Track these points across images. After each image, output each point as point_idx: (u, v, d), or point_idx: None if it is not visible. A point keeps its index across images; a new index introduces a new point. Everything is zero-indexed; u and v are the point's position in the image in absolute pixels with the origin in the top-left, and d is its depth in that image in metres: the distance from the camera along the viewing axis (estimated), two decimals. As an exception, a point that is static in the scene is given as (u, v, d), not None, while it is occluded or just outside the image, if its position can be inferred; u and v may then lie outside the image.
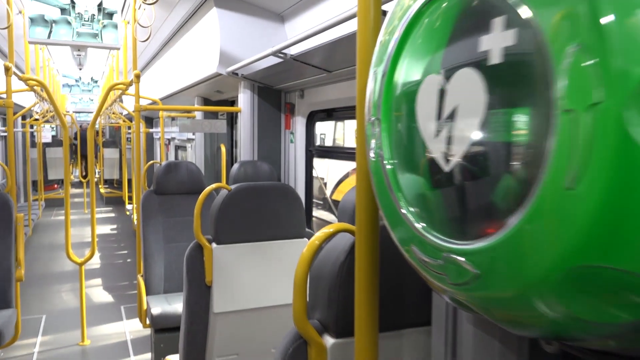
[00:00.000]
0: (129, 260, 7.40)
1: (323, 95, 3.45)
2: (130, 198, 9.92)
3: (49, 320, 4.93)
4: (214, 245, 1.87)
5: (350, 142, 6.19)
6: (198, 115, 5.74)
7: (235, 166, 3.75)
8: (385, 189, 0.65)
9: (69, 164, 13.10)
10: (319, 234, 1.03)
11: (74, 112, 13.55)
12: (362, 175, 0.86)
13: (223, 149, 5.36)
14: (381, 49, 0.68)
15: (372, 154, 0.69)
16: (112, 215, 11.29)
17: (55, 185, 12.68)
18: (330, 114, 3.52)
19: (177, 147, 9.41)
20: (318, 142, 3.85)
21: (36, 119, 8.86)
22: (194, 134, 6.88)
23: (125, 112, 9.60)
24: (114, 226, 10.06)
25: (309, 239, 2.01)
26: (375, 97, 0.68)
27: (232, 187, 1.90)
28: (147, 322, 3.28)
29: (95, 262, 7.18)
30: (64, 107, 11.91)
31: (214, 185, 2.01)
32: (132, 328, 4.71)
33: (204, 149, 5.67)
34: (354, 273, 0.91)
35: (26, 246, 7.91)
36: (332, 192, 8.63)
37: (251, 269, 1.87)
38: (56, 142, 12.36)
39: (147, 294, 3.42)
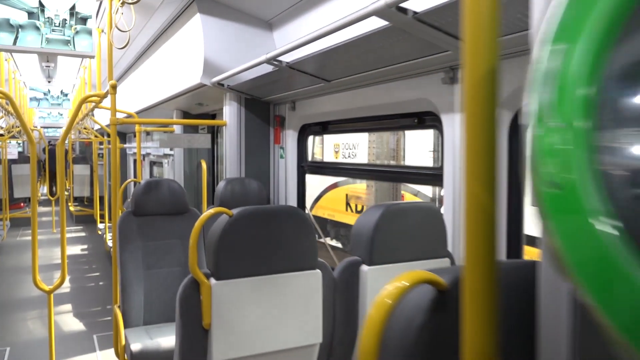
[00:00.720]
0: (101, 283, 6.97)
1: (317, 107, 3.21)
2: (102, 216, 9.45)
3: (14, 352, 4.51)
4: (212, 281, 1.58)
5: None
6: (177, 129, 5.43)
7: (222, 184, 3.46)
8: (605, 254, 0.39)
9: (37, 181, 12.53)
10: (391, 289, 0.74)
11: (42, 127, 13.01)
12: (474, 203, 0.62)
13: (204, 165, 5.07)
14: (577, 13, 0.43)
15: (552, 181, 0.43)
16: (83, 234, 10.77)
17: (22, 204, 12.06)
18: (325, 127, 3.28)
19: (152, 163, 9.02)
20: (310, 158, 3.60)
21: (1, 135, 8.38)
22: (171, 150, 6.56)
23: (97, 127, 9.18)
24: (85, 246, 9.57)
25: (321, 270, 1.74)
26: (567, 92, 0.42)
27: (234, 211, 1.61)
28: (126, 358, 2.95)
29: (65, 286, 6.73)
30: (31, 122, 11.40)
31: (212, 211, 1.70)
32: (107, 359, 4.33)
33: (183, 165, 5.36)
34: (438, 337, 0.70)
35: (-11, 270, 7.40)
36: (312, 207, 8.37)
37: (257, 308, 1.59)
38: (22, 158, 11.78)
39: (125, 326, 3.09)
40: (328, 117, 3.18)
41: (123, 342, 2.94)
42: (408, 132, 5.60)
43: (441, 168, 2.19)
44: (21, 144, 14.17)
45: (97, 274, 7.47)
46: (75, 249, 9.23)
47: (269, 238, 1.62)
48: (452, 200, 2.08)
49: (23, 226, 11.09)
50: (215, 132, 5.25)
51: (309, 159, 3.57)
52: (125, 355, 2.95)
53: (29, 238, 10.03)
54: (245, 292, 1.58)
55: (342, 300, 1.76)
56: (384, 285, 0.78)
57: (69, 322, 5.37)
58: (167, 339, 2.89)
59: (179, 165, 5.34)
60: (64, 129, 4.07)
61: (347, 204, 7.84)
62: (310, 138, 3.54)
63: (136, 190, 3.29)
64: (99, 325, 5.19)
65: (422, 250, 1.83)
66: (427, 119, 2.34)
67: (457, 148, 2.05)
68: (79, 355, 4.48)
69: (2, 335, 4.97)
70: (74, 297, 6.26)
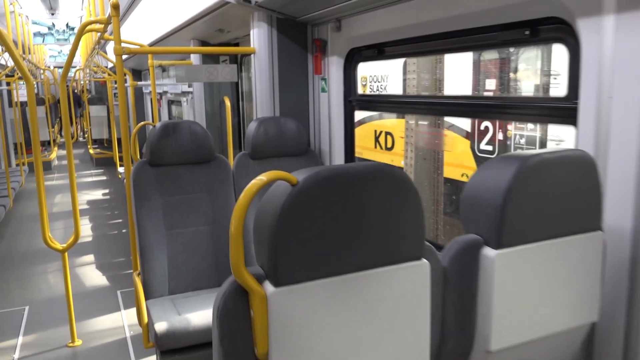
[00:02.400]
0: (124, 230, 6.58)
1: (371, 24, 2.52)
2: (122, 159, 9.02)
3: (33, 313, 4.15)
4: (268, 287, 0.99)
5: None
6: (195, 61, 4.77)
7: (252, 126, 2.87)
8: None
9: (52, 125, 12.08)
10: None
11: (54, 67, 12.40)
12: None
13: (227, 103, 4.46)
14: None
15: None
16: (104, 178, 10.41)
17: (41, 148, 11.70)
18: (381, 51, 2.61)
19: (170, 103, 8.42)
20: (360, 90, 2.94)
21: (9, 75, 7.81)
22: (189, 86, 5.93)
23: (110, 65, 8.55)
24: (106, 190, 9.20)
25: (428, 259, 1.14)
26: None
27: (299, 176, 0.99)
28: (150, 340, 2.49)
29: (86, 234, 6.37)
30: (42, 62, 10.79)
31: (264, 178, 1.02)
32: (132, 320, 3.93)
33: (204, 103, 4.74)
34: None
35: (6, 219, 7.07)
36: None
37: (338, 323, 1.02)
38: (37, 100, 11.30)
39: (147, 297, 2.61)
40: (385, 38, 2.50)
41: (146, 320, 2.47)
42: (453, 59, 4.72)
43: (572, 100, 1.55)
44: (36, 85, 13.65)
45: (120, 220, 7.09)
46: (96, 194, 8.87)
47: (355, 214, 1.02)
48: (593, 146, 1.45)
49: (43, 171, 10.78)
50: (239, 64, 4.58)
51: (359, 91, 2.91)
52: (149, 337, 2.49)
53: (49, 183, 9.71)
54: (319, 302, 1.01)
55: (456, 297, 1.20)
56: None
57: (91, 276, 4.99)
58: (197, 315, 2.40)
59: (200, 104, 4.72)
60: (66, 62, 3.46)
61: (377, 140, 7.19)
62: (360, 66, 2.87)
63: (151, 135, 2.72)
64: (123, 279, 4.80)
65: (571, 222, 1.24)
66: (545, 30, 1.66)
67: (605, 70, 1.40)
68: (103, 314, 4.09)
69: (20, 292, 4.62)
70: (96, 248, 5.88)
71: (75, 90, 15.12)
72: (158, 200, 2.69)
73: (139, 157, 4.04)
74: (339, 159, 2.96)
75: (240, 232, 0.99)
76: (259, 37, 2.98)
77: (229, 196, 2.81)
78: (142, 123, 3.44)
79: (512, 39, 1.80)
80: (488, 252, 1.19)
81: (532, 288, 1.24)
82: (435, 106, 2.44)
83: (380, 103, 2.95)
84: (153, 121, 9.87)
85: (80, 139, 16.30)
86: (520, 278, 1.22)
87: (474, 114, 2.44)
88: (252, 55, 3.08)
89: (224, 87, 4.68)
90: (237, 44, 4.39)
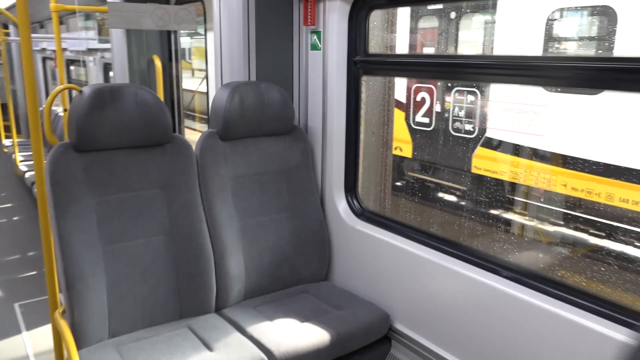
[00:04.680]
0: (15, 218, 5.36)
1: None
2: (7, 129, 7.43)
3: None
4: None
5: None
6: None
7: (223, 93, 2.07)
8: None
9: None
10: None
11: None
12: None
13: (158, 62, 3.54)
14: None
15: None
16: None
17: None
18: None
19: (68, 63, 7.04)
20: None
21: None
22: (101, 42, 4.81)
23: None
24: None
25: None
26: None
27: None
28: None
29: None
30: None
31: None
32: (39, 346, 2.98)
33: (126, 63, 3.73)
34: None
35: None
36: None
37: None
38: None
39: (80, 345, 1.76)
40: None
41: None
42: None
43: None
44: None
45: (9, 205, 5.79)
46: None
47: None
48: None
49: None
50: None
51: (369, 50, 2.18)
52: None
53: None
54: None
55: None
56: None
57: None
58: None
59: (120, 63, 3.70)
60: None
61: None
62: (373, 16, 2.14)
63: (77, 106, 1.81)
64: (21, 287, 3.74)
65: None
66: None
67: None
68: (-5, 339, 3.09)
69: None
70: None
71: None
72: (89, 201, 1.81)
73: (52, 137, 2.94)
74: (337, 140, 2.24)
75: None
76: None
77: (193, 192, 2.01)
78: (63, 87, 2.46)
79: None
80: None
81: None
82: (492, 69, 1.78)
83: (402, 66, 2.23)
84: (48, 88, 8.28)
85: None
86: None
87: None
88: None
89: (150, 43, 3.72)
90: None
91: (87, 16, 5.48)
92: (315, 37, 2.23)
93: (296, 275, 2.26)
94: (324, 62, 2.22)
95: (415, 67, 2.10)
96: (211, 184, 2.05)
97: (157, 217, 1.94)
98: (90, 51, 5.48)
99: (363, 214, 2.24)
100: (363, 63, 2.16)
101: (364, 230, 2.16)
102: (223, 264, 2.03)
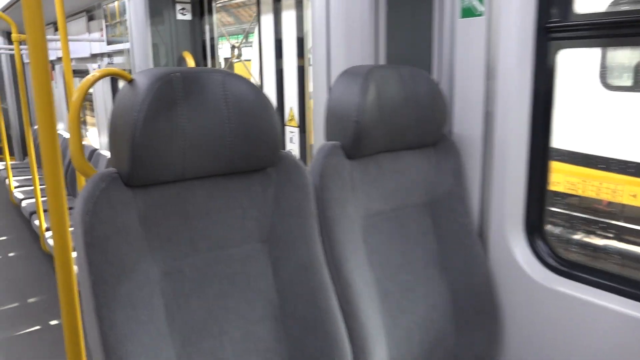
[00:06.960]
0: (11, 254, 4.50)
1: None
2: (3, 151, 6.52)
3: None
4: None
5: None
6: (136, 6, 2.97)
7: (351, 83, 1.30)
8: None
9: None
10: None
11: None
12: None
13: (190, 60, 2.82)
14: None
15: None
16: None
17: None
18: None
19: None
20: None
21: None
22: (109, 43, 4.02)
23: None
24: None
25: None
26: None
27: None
28: None
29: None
30: None
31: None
32: None
33: (151, 62, 2.95)
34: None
35: None
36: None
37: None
38: None
39: None
40: None
41: None
42: None
43: None
44: None
45: (4, 237, 4.94)
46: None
47: None
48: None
49: None
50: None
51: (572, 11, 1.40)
52: None
53: None
54: None
55: None
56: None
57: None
58: None
59: (143, 62, 2.90)
60: None
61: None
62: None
63: (122, 114, 1.02)
64: (21, 347, 2.88)
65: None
66: None
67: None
68: None
69: None
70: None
71: None
72: (154, 270, 1.01)
73: (85, 164, 1.92)
74: (513, 154, 1.44)
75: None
76: None
77: (311, 246, 1.20)
78: (103, 71, 1.60)
79: None
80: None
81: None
82: None
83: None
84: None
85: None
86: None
87: None
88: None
89: (181, 38, 2.94)
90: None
91: (91, 17, 4.72)
92: (473, -3, 1.45)
93: None
94: (488, 33, 1.43)
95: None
96: (337, 230, 1.25)
97: (263, 291, 1.13)
98: (95, 57, 4.69)
99: (561, 266, 1.44)
100: (564, 30, 1.37)
101: (562, 290, 1.36)
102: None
